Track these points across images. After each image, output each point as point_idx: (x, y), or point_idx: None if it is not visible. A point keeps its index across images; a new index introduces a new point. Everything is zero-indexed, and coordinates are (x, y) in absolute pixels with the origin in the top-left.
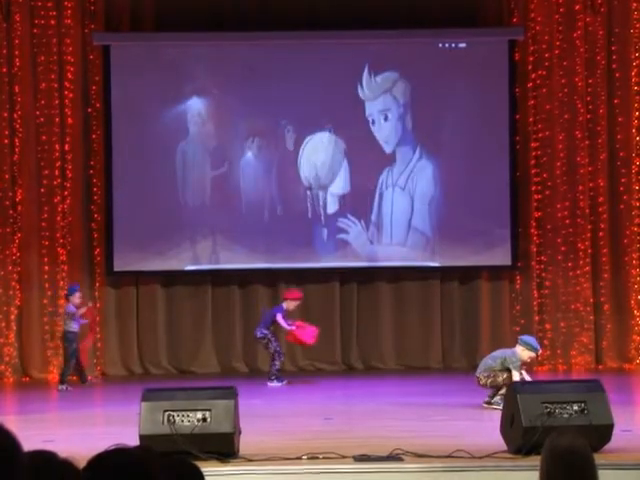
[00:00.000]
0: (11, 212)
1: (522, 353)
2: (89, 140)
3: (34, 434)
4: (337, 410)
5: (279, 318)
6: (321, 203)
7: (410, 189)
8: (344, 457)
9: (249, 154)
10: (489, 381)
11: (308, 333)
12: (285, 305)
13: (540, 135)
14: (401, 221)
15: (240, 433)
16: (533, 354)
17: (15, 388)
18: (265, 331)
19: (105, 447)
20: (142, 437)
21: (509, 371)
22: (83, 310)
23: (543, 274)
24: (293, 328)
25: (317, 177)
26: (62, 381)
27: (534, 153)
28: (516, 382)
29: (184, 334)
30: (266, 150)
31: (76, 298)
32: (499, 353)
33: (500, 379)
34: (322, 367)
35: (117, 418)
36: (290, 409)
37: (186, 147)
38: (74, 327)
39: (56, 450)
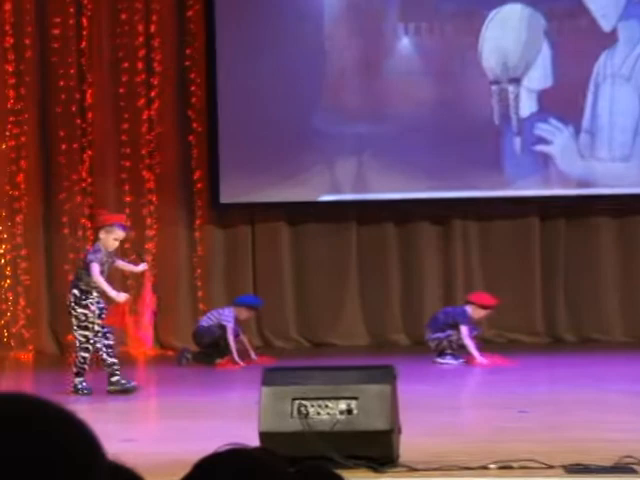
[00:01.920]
0: (79, 121)
1: None
2: (183, 19)
3: (111, 430)
4: (538, 400)
5: (465, 333)
6: (512, 103)
7: (638, 81)
8: (550, 467)
9: (405, 40)
10: None
11: (499, 360)
12: (470, 310)
13: None
14: (625, 126)
15: (400, 432)
16: None
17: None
18: (440, 334)
19: (214, 448)
20: (263, 435)
21: None
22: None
23: None
24: (483, 361)
25: (506, 67)
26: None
27: None
28: None
29: (319, 291)
30: (430, 33)
31: (244, 313)
32: None
33: None
34: (516, 338)
35: (228, 408)
36: (470, 398)
37: (321, 32)
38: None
39: (141, 453)
